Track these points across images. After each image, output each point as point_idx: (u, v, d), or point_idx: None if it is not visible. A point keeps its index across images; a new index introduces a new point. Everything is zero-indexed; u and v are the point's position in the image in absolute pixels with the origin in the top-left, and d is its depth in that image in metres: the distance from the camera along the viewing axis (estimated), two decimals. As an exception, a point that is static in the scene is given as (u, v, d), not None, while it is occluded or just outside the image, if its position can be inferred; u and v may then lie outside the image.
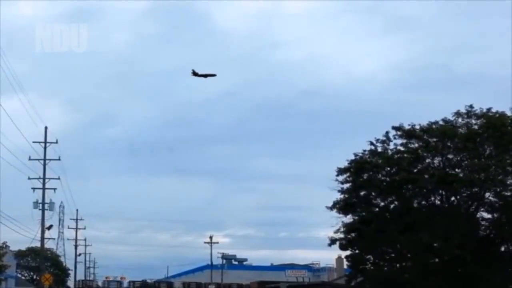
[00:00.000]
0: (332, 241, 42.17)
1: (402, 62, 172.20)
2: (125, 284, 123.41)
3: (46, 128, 52.42)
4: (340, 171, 41.26)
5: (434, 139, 39.45)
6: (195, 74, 48.86)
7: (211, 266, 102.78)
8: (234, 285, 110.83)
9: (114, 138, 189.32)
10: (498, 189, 37.30)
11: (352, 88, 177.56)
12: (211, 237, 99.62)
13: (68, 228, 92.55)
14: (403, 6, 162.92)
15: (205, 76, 49.35)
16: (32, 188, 52.54)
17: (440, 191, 39.56)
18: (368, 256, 42.25)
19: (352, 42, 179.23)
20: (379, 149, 41.01)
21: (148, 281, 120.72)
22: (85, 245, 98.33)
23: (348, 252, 43.45)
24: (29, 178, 52.24)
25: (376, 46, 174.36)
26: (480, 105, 39.50)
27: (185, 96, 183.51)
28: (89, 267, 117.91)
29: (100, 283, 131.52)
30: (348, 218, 41.74)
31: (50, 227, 59.53)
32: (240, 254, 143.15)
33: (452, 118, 39.88)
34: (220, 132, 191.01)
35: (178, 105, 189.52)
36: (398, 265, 42.22)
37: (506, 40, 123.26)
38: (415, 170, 39.57)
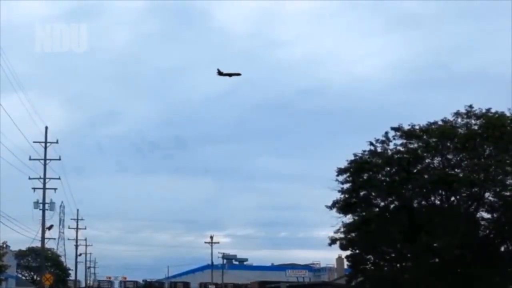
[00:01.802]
0: (332, 241, 42.26)
1: (403, 61, 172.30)
2: (141, 283, 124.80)
3: (46, 128, 52.30)
4: (340, 171, 41.31)
5: (434, 139, 39.48)
6: (220, 73, 49.14)
7: (211, 266, 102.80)
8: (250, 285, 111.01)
9: (114, 137, 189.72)
10: (498, 189, 37.32)
11: (352, 87, 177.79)
12: (211, 237, 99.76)
13: (69, 228, 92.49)
14: (403, 5, 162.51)
15: (230, 75, 49.62)
16: (33, 188, 52.52)
17: (440, 191, 39.56)
18: (368, 256, 42.31)
19: (352, 41, 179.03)
20: (379, 149, 41.05)
21: (149, 280, 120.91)
22: (86, 245, 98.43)
23: (348, 252, 43.59)
24: (29, 178, 52.21)
25: (377, 45, 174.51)
26: (480, 105, 39.59)
27: (185, 95, 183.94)
28: (89, 267, 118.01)
29: (116, 284, 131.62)
30: (348, 218, 41.87)
31: (50, 227, 59.71)
32: (240, 254, 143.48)
33: (451, 118, 39.93)
34: (220, 131, 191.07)
35: (178, 104, 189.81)
36: (398, 265, 42.23)
37: (507, 40, 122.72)
38: (415, 170, 39.60)
